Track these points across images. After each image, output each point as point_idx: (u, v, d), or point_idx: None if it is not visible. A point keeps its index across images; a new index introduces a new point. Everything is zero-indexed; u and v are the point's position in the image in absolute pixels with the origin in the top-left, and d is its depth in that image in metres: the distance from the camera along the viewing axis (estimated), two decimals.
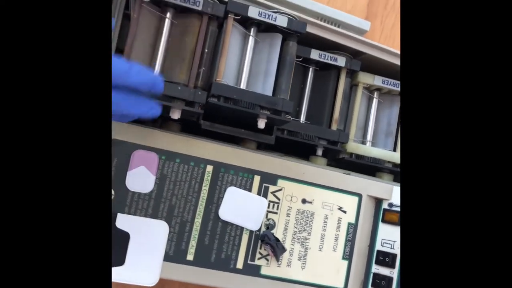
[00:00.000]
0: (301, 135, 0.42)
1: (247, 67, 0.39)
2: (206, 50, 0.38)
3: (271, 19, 0.38)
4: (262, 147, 0.45)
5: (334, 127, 0.43)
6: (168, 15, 0.38)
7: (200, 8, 0.37)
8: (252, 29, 0.39)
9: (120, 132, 0.36)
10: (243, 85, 0.39)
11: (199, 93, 0.36)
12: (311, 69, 0.45)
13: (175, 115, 0.36)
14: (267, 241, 0.37)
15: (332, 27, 0.43)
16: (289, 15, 0.39)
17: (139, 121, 0.40)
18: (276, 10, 0.39)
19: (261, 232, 0.38)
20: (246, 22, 0.39)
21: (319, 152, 0.43)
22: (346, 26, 0.50)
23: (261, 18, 0.38)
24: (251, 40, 0.39)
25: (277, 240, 0.38)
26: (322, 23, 0.43)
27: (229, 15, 0.38)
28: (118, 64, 0.28)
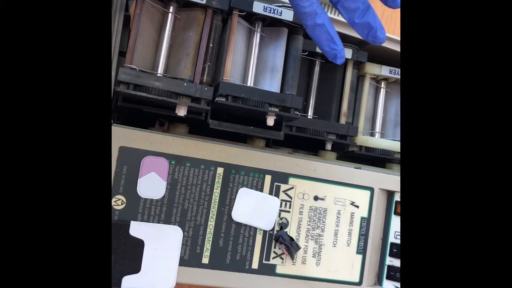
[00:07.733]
0: (310, 130, 0.41)
1: (253, 63, 0.38)
2: (211, 45, 0.37)
3: (277, 14, 0.37)
4: (271, 142, 0.45)
5: (342, 120, 0.43)
6: (171, 9, 0.36)
7: (204, 2, 0.36)
8: (257, 24, 0.38)
9: (127, 139, 0.35)
10: (250, 82, 0.38)
11: (206, 89, 0.35)
12: (317, 62, 0.44)
13: (181, 112, 0.35)
14: (282, 241, 0.37)
15: (338, 18, 0.42)
16: None
17: (146, 126, 0.39)
18: (281, 4, 0.38)
19: (275, 232, 0.38)
20: (251, 17, 0.38)
21: (328, 146, 0.43)
22: None
23: (266, 13, 0.37)
24: (256, 36, 0.38)
25: (292, 239, 0.38)
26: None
27: (234, 12, 0.36)
28: None
